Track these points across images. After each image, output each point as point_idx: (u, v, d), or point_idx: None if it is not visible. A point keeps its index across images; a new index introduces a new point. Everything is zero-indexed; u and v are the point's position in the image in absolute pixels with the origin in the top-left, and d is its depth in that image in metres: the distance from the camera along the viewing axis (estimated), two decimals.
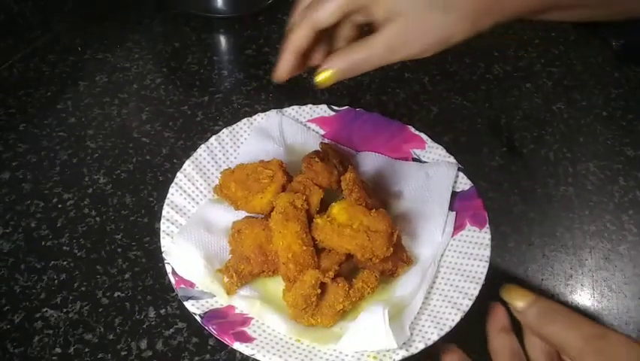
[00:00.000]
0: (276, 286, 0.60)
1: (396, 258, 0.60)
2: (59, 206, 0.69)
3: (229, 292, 0.58)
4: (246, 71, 0.81)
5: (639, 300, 0.64)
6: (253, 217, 0.63)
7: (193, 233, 0.61)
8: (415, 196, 0.67)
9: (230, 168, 0.65)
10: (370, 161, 0.71)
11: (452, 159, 0.70)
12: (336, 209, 0.59)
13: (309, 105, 0.75)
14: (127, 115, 0.80)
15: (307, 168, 0.62)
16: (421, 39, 0.50)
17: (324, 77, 0.53)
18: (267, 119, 0.73)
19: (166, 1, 0.96)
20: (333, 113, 0.75)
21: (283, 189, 0.61)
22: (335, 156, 0.66)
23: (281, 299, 0.58)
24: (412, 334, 0.55)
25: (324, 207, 0.61)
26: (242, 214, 0.64)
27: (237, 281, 0.58)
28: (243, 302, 0.58)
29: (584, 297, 0.64)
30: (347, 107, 0.75)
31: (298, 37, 0.53)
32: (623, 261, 0.67)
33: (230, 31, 0.93)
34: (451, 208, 0.65)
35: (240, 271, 0.58)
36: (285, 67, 0.55)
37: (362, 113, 0.75)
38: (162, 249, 0.60)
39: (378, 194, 0.66)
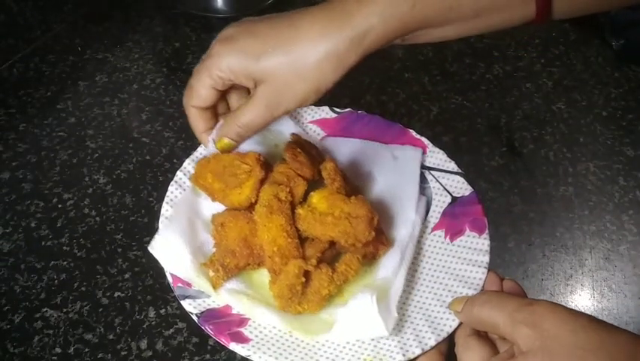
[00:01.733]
0: (262, 278, 0.60)
1: (377, 241, 0.61)
2: (59, 206, 0.69)
3: (215, 286, 0.58)
4: None
5: (639, 300, 0.64)
6: (235, 210, 0.63)
7: (178, 226, 0.61)
8: (385, 179, 0.68)
9: (206, 157, 0.65)
10: (336, 146, 0.72)
11: (453, 165, 0.70)
12: (315, 198, 0.60)
13: (311, 107, 0.75)
14: (127, 115, 0.80)
15: (292, 159, 0.62)
16: (293, 94, 0.52)
17: (222, 144, 0.58)
18: None
19: (166, 1, 0.96)
20: (334, 115, 0.75)
21: (261, 183, 0.62)
22: (310, 146, 0.66)
23: (268, 291, 0.58)
24: (409, 338, 0.55)
25: (303, 197, 0.62)
26: (222, 206, 0.64)
27: (223, 275, 0.58)
28: (229, 296, 0.58)
29: (584, 297, 0.64)
30: (349, 109, 0.75)
31: (191, 119, 0.58)
32: (623, 261, 0.67)
33: None
34: (422, 193, 0.66)
35: (226, 265, 0.59)
36: (203, 138, 0.59)
37: (363, 116, 0.75)
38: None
39: (352, 179, 0.67)
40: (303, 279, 0.56)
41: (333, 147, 0.72)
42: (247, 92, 0.57)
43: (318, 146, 0.70)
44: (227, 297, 0.58)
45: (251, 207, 0.60)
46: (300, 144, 0.65)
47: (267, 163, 0.62)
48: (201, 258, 0.59)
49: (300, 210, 0.59)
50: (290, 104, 0.53)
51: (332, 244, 0.60)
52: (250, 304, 0.57)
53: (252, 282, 0.60)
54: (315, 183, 0.63)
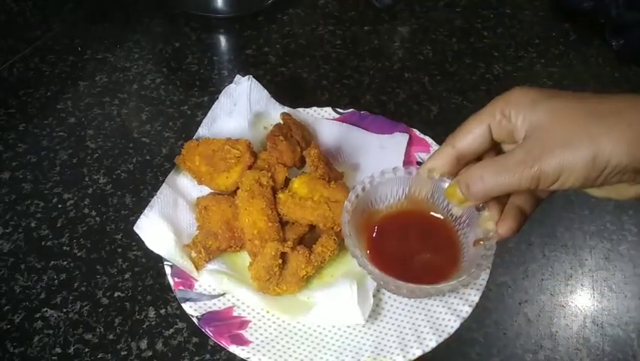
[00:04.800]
0: (243, 260, 0.62)
1: None
2: (59, 206, 0.69)
3: (197, 266, 0.60)
4: (246, 71, 0.81)
5: (639, 300, 0.64)
6: (218, 194, 0.64)
7: (163, 207, 0.62)
8: (370, 166, 0.69)
9: (195, 140, 0.67)
10: (327, 128, 0.73)
11: None
12: (296, 184, 0.62)
13: (314, 108, 0.75)
14: (127, 115, 0.80)
15: (272, 148, 0.64)
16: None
17: (452, 193, 0.49)
18: (238, 87, 0.75)
19: (166, 1, 0.96)
20: (337, 115, 0.75)
21: (249, 169, 0.63)
22: (297, 129, 0.67)
23: (248, 272, 0.59)
24: (410, 340, 0.55)
25: (285, 182, 0.64)
26: (206, 189, 0.65)
27: (205, 256, 0.60)
28: (210, 277, 0.59)
29: (584, 297, 0.64)
30: (352, 109, 0.76)
31: (437, 152, 0.51)
32: (623, 261, 0.67)
33: (230, 31, 0.93)
34: None
35: (208, 247, 0.60)
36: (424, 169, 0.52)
37: (366, 116, 0.75)
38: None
39: (337, 165, 0.69)
40: (280, 261, 0.58)
41: (325, 129, 0.73)
42: None
43: (309, 127, 0.71)
44: (209, 277, 0.59)
45: (234, 191, 0.62)
46: (287, 127, 0.66)
47: (254, 152, 0.64)
48: (185, 239, 0.61)
49: (280, 195, 0.61)
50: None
51: (312, 227, 0.62)
52: (230, 285, 0.58)
53: (234, 264, 0.62)
54: (298, 169, 0.66)
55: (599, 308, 0.63)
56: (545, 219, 0.70)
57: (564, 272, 0.66)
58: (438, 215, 0.59)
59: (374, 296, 0.58)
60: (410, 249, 0.58)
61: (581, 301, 0.63)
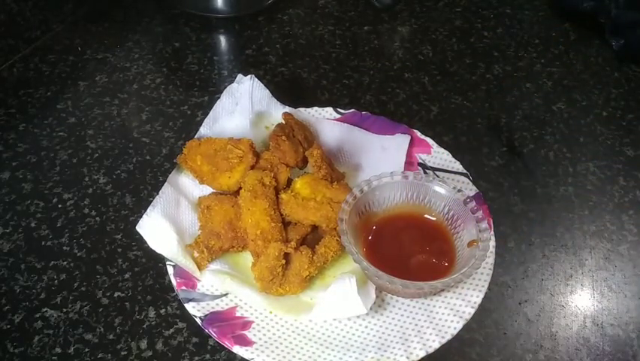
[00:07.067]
0: (246, 261, 0.62)
1: None
2: (59, 206, 0.69)
3: (200, 266, 0.60)
4: (246, 71, 0.81)
5: (639, 300, 0.64)
6: (220, 193, 0.64)
7: (166, 207, 0.62)
8: (371, 167, 0.69)
9: (197, 139, 0.67)
10: (329, 129, 0.73)
11: (458, 165, 0.70)
12: (299, 184, 0.62)
13: (315, 108, 0.75)
14: (127, 115, 0.80)
15: (275, 148, 0.64)
16: None
17: None
18: (240, 86, 0.74)
19: (166, 1, 0.96)
20: (338, 115, 0.75)
21: (251, 169, 0.63)
22: (299, 129, 0.67)
23: (251, 273, 0.60)
24: (412, 341, 0.56)
25: (287, 182, 0.64)
26: (208, 188, 0.65)
27: (208, 256, 0.60)
28: (213, 277, 0.59)
29: (584, 297, 0.64)
30: (353, 110, 0.76)
31: None
32: (623, 261, 0.67)
33: (230, 31, 0.93)
34: None
35: (211, 247, 0.60)
36: None
37: (368, 116, 0.75)
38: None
39: (339, 166, 0.69)
40: (283, 261, 0.58)
41: (326, 129, 0.73)
42: None
43: (311, 127, 0.71)
44: (211, 278, 0.59)
45: (237, 191, 0.62)
46: (289, 127, 0.66)
47: (256, 151, 0.64)
48: (187, 239, 0.61)
49: (283, 195, 0.61)
50: None
51: (314, 228, 0.62)
52: (233, 285, 0.58)
53: (236, 264, 0.62)
54: (303, 167, 0.66)
55: (599, 308, 0.63)
56: (545, 219, 0.70)
57: (564, 272, 0.66)
58: (433, 218, 0.61)
59: (377, 297, 0.58)
60: (406, 250, 0.60)
61: (581, 301, 0.63)
